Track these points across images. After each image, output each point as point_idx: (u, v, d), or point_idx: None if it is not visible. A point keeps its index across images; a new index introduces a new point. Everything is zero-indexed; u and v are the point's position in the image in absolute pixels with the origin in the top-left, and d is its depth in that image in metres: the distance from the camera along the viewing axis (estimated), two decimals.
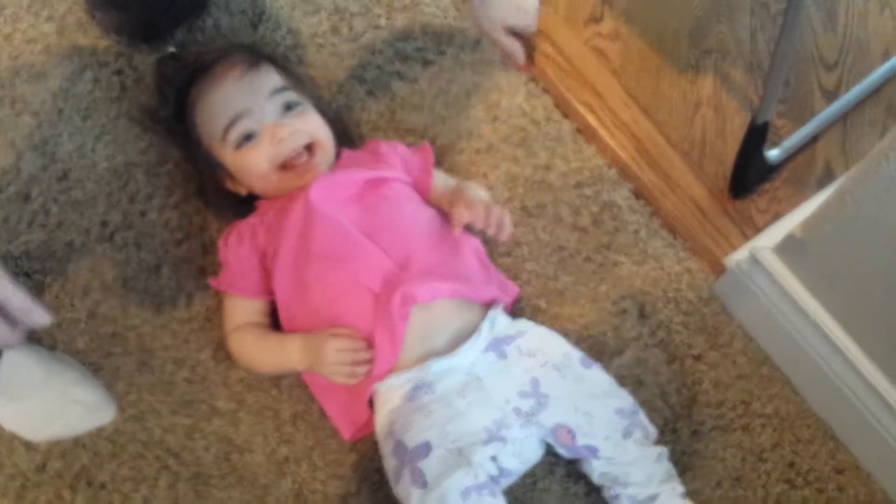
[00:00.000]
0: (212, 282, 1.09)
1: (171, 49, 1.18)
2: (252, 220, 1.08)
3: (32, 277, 1.10)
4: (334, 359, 0.99)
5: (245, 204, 1.11)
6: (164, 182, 1.17)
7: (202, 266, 1.13)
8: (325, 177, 1.07)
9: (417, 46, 1.30)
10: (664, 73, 1.31)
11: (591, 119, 1.25)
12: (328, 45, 1.28)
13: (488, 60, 1.29)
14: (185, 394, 1.06)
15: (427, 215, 1.09)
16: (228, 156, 1.07)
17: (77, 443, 1.03)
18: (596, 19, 1.35)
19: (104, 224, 1.14)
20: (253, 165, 1.06)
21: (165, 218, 1.15)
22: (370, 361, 0.99)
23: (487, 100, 1.27)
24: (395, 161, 1.13)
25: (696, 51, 1.33)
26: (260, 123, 1.06)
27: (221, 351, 1.08)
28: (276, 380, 1.07)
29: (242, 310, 1.07)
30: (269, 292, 1.07)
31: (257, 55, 1.13)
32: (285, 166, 1.06)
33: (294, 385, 1.07)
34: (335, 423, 1.05)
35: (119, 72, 1.23)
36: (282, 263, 1.03)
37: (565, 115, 1.27)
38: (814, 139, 1.26)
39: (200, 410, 1.05)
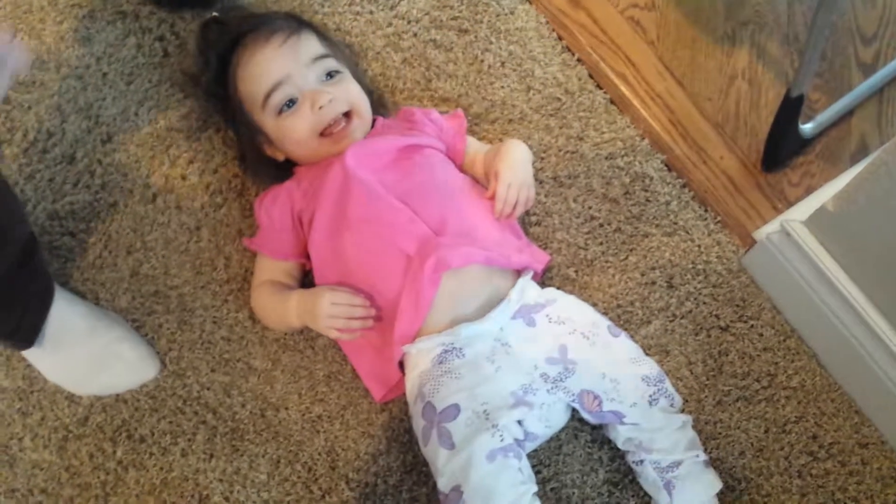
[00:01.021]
0: (245, 241, 1.12)
1: (215, 14, 1.20)
2: (289, 184, 1.10)
3: (77, 237, 1.14)
4: (329, 311, 1.00)
5: (282, 169, 1.13)
6: (205, 147, 1.20)
7: (240, 229, 1.15)
8: (361, 143, 1.08)
9: (453, 15, 1.30)
10: (700, 45, 1.31)
11: (624, 90, 1.25)
12: (365, 12, 1.30)
13: (523, 29, 1.30)
14: (223, 352, 1.09)
15: (460, 181, 1.11)
16: (269, 122, 1.09)
17: (118, 397, 1.07)
18: None
19: (147, 186, 1.17)
20: (293, 132, 1.08)
21: (206, 182, 1.18)
22: (367, 319, 1.01)
23: (522, 69, 1.27)
24: (429, 128, 1.14)
25: (732, 22, 1.32)
26: (300, 90, 1.07)
27: None
28: (311, 340, 1.10)
29: (269, 269, 1.10)
30: (299, 255, 1.09)
31: (299, 22, 1.14)
32: (324, 133, 1.08)
33: (329, 346, 1.10)
34: (366, 385, 1.07)
35: (161, 38, 1.26)
36: (318, 227, 1.05)
37: (599, 86, 1.27)
38: (849, 113, 1.25)
39: (238, 368, 1.09)
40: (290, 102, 1.07)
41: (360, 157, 1.06)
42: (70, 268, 1.12)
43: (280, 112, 1.08)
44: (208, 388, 1.08)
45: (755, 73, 1.28)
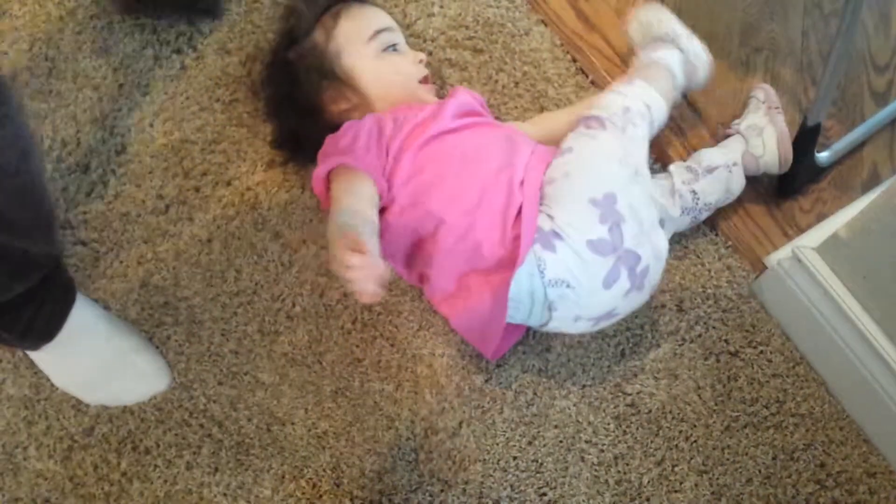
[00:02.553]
0: (318, 169, 1.03)
1: None
2: (370, 117, 1.08)
3: (89, 246, 1.14)
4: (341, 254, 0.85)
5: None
6: (219, 159, 1.20)
7: (252, 242, 1.15)
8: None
9: (469, 35, 1.31)
10: (714, 70, 1.31)
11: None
12: None
13: (538, 50, 1.30)
14: (231, 365, 1.09)
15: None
16: (369, 57, 1.15)
17: (125, 408, 1.07)
18: None
19: (159, 197, 1.17)
20: (401, 67, 1.17)
21: (219, 194, 1.18)
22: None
23: (535, 89, 1.28)
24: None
25: (747, 48, 1.33)
26: (402, 44, 1.19)
27: (267, 325, 1.11)
28: (319, 355, 1.10)
29: (358, 187, 1.01)
30: (381, 177, 1.03)
31: None
32: (422, 81, 1.18)
33: (336, 361, 1.10)
34: (477, 345, 1.06)
35: (179, 51, 1.27)
36: (414, 147, 1.05)
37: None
38: (861, 142, 1.25)
39: (245, 382, 1.09)
40: (393, 47, 1.17)
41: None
42: (81, 277, 1.12)
43: (385, 50, 1.16)
44: (215, 401, 1.08)
45: None
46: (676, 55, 1.17)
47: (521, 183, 1.02)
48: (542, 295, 0.99)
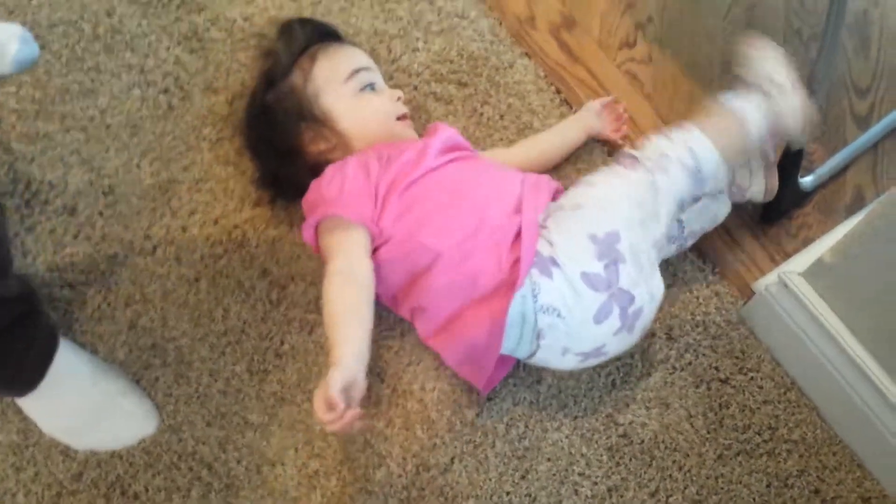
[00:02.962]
0: (308, 223, 1.06)
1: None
2: (356, 156, 1.10)
3: (76, 288, 1.14)
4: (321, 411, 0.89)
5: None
6: (206, 199, 1.20)
7: (240, 280, 1.15)
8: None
9: (453, 69, 1.32)
10: (697, 98, 1.32)
11: (621, 142, 1.26)
12: None
13: (522, 82, 1.31)
14: (219, 405, 1.09)
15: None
16: (346, 97, 1.15)
17: (113, 453, 1.06)
18: (629, 44, 1.37)
19: (147, 238, 1.17)
20: (378, 106, 1.17)
21: (206, 233, 1.18)
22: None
23: (520, 121, 1.29)
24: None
25: (728, 76, 1.34)
26: (379, 83, 1.20)
27: (256, 364, 1.11)
28: (309, 393, 1.10)
29: (344, 239, 1.03)
30: (371, 221, 1.04)
31: None
32: (400, 118, 1.18)
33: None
34: (469, 378, 1.06)
35: (166, 91, 1.28)
36: (403, 186, 1.05)
37: (597, 139, 1.28)
38: (845, 166, 1.26)
39: (234, 423, 1.08)
40: (371, 86, 1.18)
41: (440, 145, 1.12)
42: (68, 319, 1.12)
43: (362, 90, 1.16)
44: (204, 443, 1.07)
45: None
46: (759, 106, 1.06)
47: (517, 210, 1.03)
48: (532, 320, 0.99)
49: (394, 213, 1.04)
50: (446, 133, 1.15)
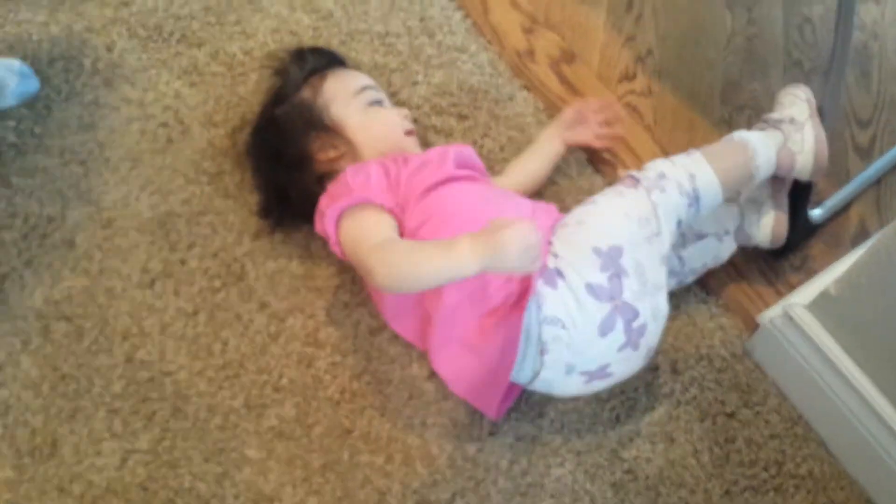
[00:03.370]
0: (333, 209, 1.05)
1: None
2: (372, 163, 1.11)
3: (73, 321, 1.13)
4: (522, 241, 0.89)
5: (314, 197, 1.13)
6: (205, 231, 1.20)
7: (239, 314, 1.14)
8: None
9: (453, 102, 1.32)
10: (697, 129, 1.32)
11: (623, 174, 1.26)
12: None
13: (522, 115, 1.31)
14: (217, 441, 1.07)
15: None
16: (356, 111, 1.17)
17: (108, 488, 1.04)
18: (629, 77, 1.37)
19: (145, 271, 1.17)
20: (387, 119, 1.18)
21: (205, 266, 1.17)
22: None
23: (520, 154, 1.28)
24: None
25: (729, 107, 1.34)
26: (386, 101, 1.22)
27: (254, 398, 1.09)
28: (307, 429, 1.08)
29: (379, 226, 1.03)
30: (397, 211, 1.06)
31: None
32: (408, 133, 1.19)
33: (325, 434, 1.08)
34: (480, 402, 1.06)
35: (165, 124, 1.28)
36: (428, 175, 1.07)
37: (597, 170, 1.28)
38: (851, 198, 1.26)
39: (231, 458, 1.06)
40: (378, 102, 1.20)
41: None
42: (65, 353, 1.11)
43: (371, 105, 1.18)
44: (201, 480, 1.05)
45: None
46: (769, 140, 1.10)
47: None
48: (536, 333, 0.98)
49: (413, 220, 1.05)
50: (465, 150, 1.16)
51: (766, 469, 1.09)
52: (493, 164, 1.27)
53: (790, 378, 1.12)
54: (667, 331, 1.16)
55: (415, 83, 1.34)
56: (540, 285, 0.98)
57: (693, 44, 1.41)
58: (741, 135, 1.10)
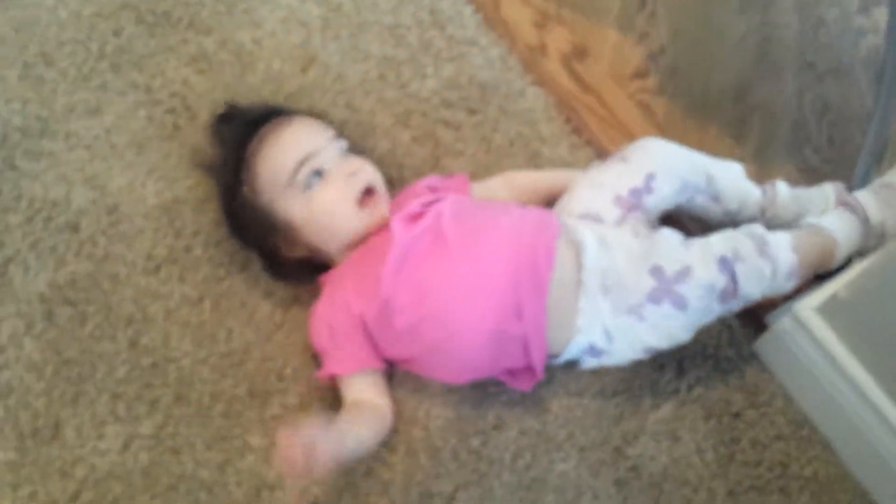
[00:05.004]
0: (317, 376, 1.07)
1: (230, 105, 1.20)
2: (330, 298, 1.07)
3: (77, 306, 1.12)
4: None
5: (307, 267, 1.12)
6: (211, 219, 1.19)
7: (244, 301, 1.14)
8: (399, 216, 1.05)
9: (463, 96, 1.32)
10: (709, 129, 1.32)
11: None
12: (375, 91, 1.31)
13: (532, 110, 1.31)
14: (220, 428, 1.07)
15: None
16: (296, 203, 1.06)
17: (110, 474, 1.04)
18: (641, 74, 1.37)
19: (150, 258, 1.16)
20: (329, 203, 1.06)
21: (210, 254, 1.17)
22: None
23: (529, 149, 1.28)
24: (431, 184, 1.16)
25: (741, 107, 1.34)
26: (327, 162, 1.07)
27: (258, 386, 1.09)
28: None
29: (350, 389, 1.05)
30: (374, 360, 1.05)
31: (311, 113, 1.16)
32: (361, 203, 1.07)
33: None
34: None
35: (172, 111, 1.27)
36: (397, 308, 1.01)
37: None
38: None
39: (234, 446, 1.06)
40: (319, 173, 1.06)
41: (403, 223, 1.04)
42: (68, 337, 1.10)
43: (309, 186, 1.06)
44: (203, 466, 1.05)
45: (764, 157, 1.29)
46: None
47: (517, 314, 1.00)
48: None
49: (389, 342, 1.04)
50: (409, 207, 1.07)
51: (770, 470, 1.09)
52: (502, 160, 1.26)
53: (797, 380, 1.12)
54: None
55: (424, 76, 1.33)
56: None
57: (706, 43, 1.41)
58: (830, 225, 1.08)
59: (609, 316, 1.01)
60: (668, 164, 1.09)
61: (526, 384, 1.06)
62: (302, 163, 1.05)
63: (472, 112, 1.31)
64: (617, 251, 1.02)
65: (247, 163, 1.08)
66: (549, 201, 1.19)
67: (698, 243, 1.02)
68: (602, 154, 1.27)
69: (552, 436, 1.08)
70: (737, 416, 1.11)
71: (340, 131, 1.16)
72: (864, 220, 1.09)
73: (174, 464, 1.05)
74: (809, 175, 1.28)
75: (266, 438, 1.06)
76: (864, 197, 1.11)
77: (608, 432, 1.09)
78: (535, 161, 1.27)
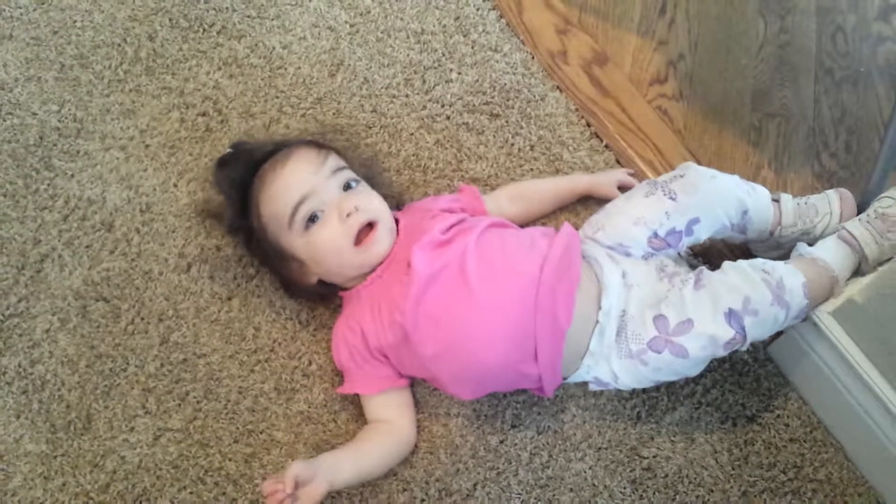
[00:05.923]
0: (338, 390, 1.10)
1: (229, 149, 1.18)
2: (349, 320, 1.08)
3: (111, 302, 1.16)
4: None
5: (325, 288, 1.13)
6: None
7: (271, 300, 1.17)
8: (419, 246, 1.05)
9: (486, 100, 1.34)
10: (727, 134, 1.33)
11: (651, 177, 1.27)
12: (401, 95, 1.34)
13: (553, 115, 1.33)
14: (247, 423, 1.10)
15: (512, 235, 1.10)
16: (298, 241, 1.07)
17: (140, 465, 1.07)
18: (660, 80, 1.38)
19: (182, 256, 1.19)
20: (327, 243, 1.06)
21: (239, 253, 1.20)
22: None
23: (550, 153, 1.30)
24: (446, 206, 1.16)
25: (758, 113, 1.35)
26: (324, 203, 1.07)
27: (284, 382, 1.12)
28: (334, 414, 1.11)
29: (370, 408, 1.08)
30: (396, 379, 1.08)
31: (317, 144, 1.14)
32: (358, 241, 1.06)
33: (351, 420, 1.10)
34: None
35: (204, 113, 1.30)
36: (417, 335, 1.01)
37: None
38: None
39: (260, 440, 1.09)
40: (314, 217, 1.06)
41: (424, 254, 1.04)
42: (102, 333, 1.14)
43: (307, 228, 1.06)
44: (230, 459, 1.08)
45: (781, 163, 1.30)
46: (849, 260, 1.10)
47: (532, 355, 1.01)
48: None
49: (406, 365, 1.06)
50: (429, 235, 1.06)
51: (784, 472, 1.10)
52: (523, 163, 1.29)
53: (812, 383, 1.13)
54: None
55: (448, 81, 1.36)
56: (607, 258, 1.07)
57: (725, 50, 1.42)
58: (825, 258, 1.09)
59: (615, 359, 1.02)
60: (714, 209, 1.08)
61: (544, 392, 1.07)
62: (297, 207, 1.06)
63: (494, 116, 1.33)
64: (634, 293, 1.04)
65: (253, 204, 1.10)
66: (557, 206, 1.24)
67: (708, 294, 1.00)
68: (621, 157, 1.29)
69: (569, 435, 1.11)
70: (752, 418, 1.13)
71: (345, 156, 1.15)
72: (864, 259, 1.09)
73: (202, 456, 1.08)
74: (825, 180, 1.29)
75: (291, 434, 1.09)
76: (860, 234, 1.09)
77: (624, 433, 1.11)
78: (555, 164, 1.29)
